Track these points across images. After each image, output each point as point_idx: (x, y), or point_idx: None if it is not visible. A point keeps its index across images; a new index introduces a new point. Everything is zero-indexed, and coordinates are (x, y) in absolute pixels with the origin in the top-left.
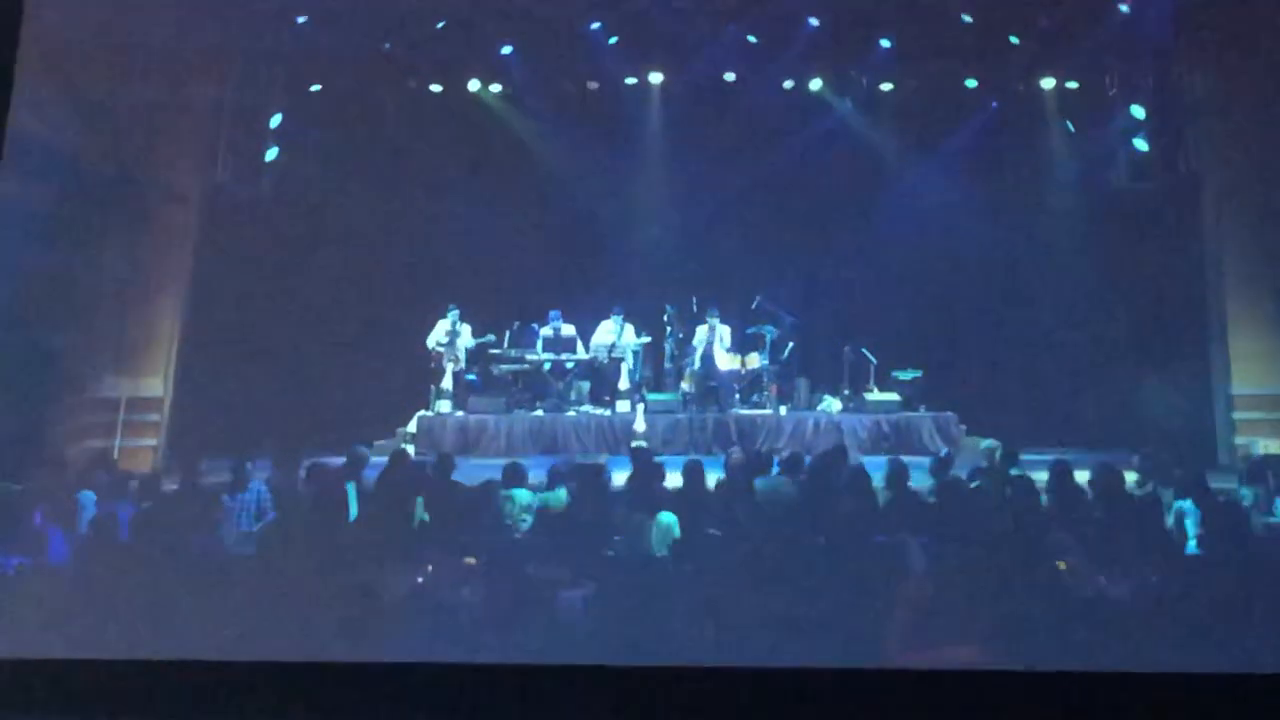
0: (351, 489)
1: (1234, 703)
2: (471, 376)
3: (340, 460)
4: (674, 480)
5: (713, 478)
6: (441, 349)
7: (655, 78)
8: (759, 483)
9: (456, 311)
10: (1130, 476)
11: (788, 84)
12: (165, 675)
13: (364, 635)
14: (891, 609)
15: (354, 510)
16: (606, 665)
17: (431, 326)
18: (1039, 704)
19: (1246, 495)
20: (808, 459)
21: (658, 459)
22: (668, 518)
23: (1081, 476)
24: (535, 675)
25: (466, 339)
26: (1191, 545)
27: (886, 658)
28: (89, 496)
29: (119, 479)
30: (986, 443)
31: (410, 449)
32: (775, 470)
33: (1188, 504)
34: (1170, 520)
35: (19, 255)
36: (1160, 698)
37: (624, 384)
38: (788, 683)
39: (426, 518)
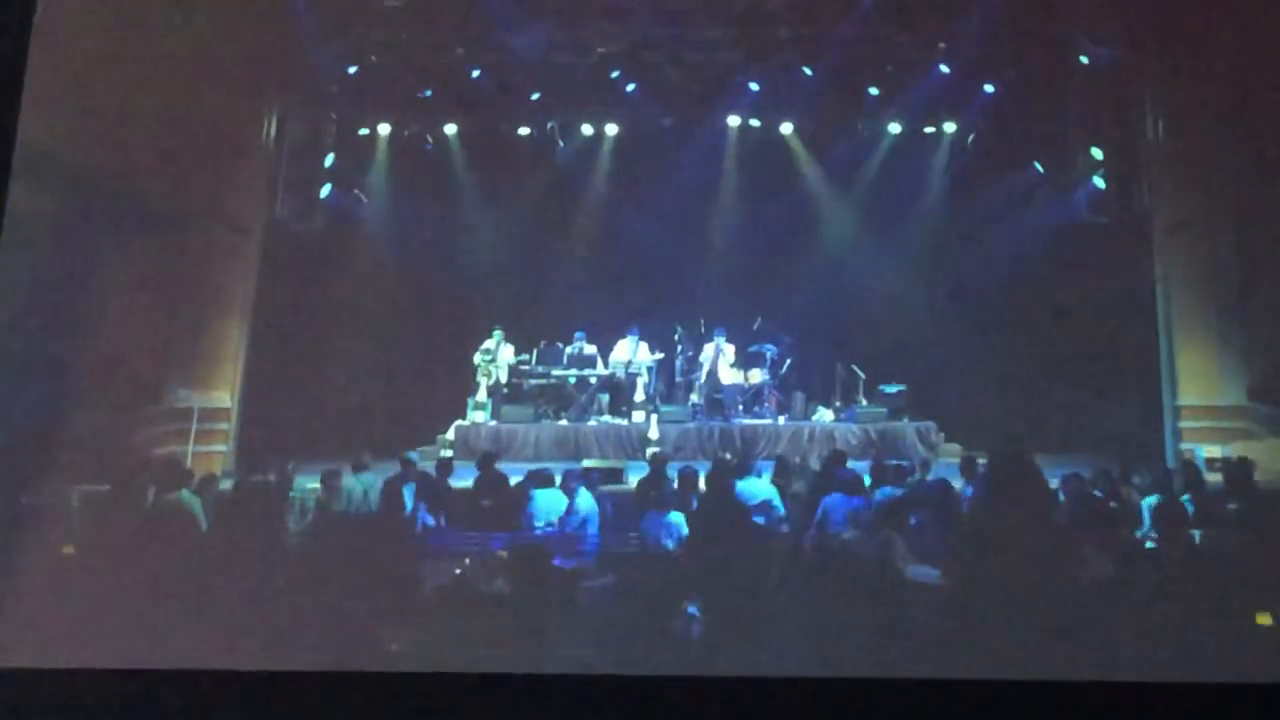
0: (409, 491)
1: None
2: (505, 390)
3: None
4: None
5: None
6: (478, 365)
7: (668, 122)
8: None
9: (501, 332)
10: (1090, 479)
11: (786, 128)
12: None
13: (406, 623)
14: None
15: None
16: (618, 674)
17: (467, 345)
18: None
19: (1188, 496)
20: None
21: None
22: (676, 516)
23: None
24: (548, 684)
25: (508, 356)
26: (1146, 542)
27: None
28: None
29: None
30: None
31: (449, 454)
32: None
33: (1139, 504)
34: (1128, 517)
35: (98, 277)
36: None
37: (639, 396)
38: (784, 691)
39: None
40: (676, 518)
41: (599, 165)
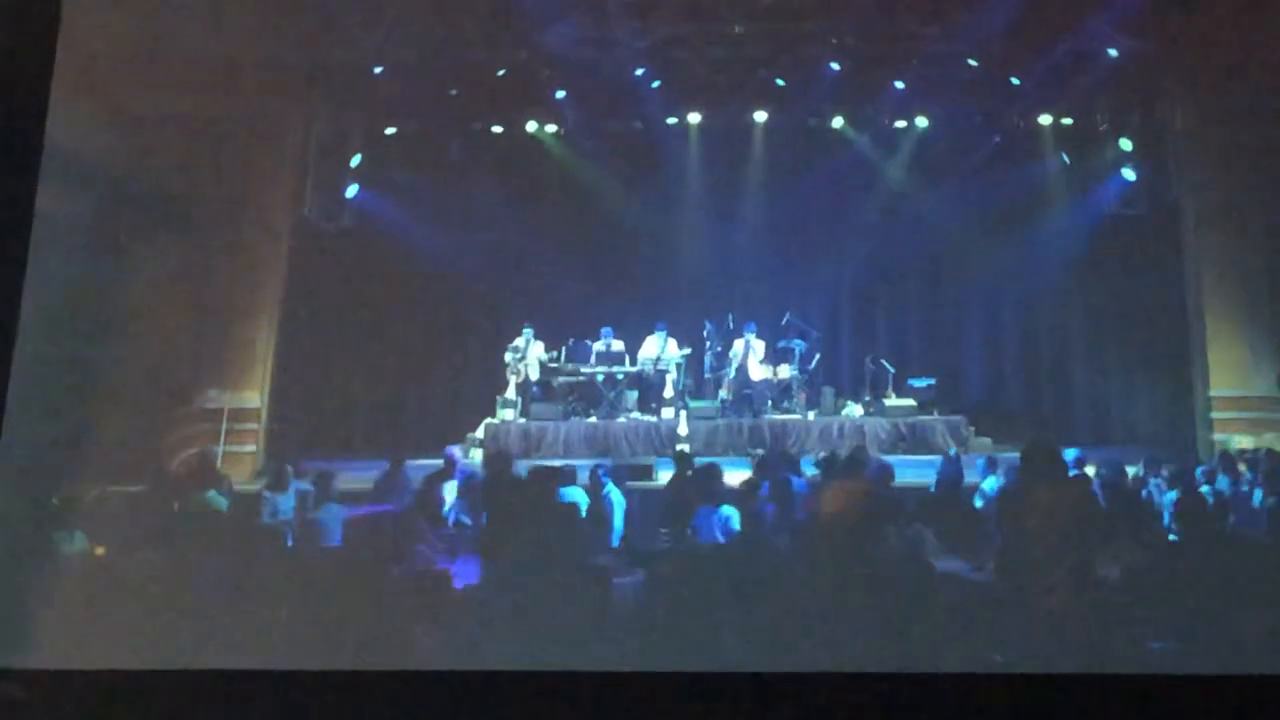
0: (449, 489)
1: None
2: (535, 388)
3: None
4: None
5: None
6: (507, 363)
7: (694, 118)
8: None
9: (530, 330)
10: (1129, 470)
11: (812, 122)
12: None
13: (437, 621)
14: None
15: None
16: (649, 671)
17: (496, 343)
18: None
19: (1221, 485)
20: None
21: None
22: (729, 510)
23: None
24: (579, 681)
25: (538, 353)
26: (1176, 533)
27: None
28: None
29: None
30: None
31: (478, 452)
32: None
33: (1171, 494)
34: (1157, 508)
35: (127, 279)
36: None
37: (668, 393)
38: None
39: None
40: (729, 511)
41: (625, 162)
